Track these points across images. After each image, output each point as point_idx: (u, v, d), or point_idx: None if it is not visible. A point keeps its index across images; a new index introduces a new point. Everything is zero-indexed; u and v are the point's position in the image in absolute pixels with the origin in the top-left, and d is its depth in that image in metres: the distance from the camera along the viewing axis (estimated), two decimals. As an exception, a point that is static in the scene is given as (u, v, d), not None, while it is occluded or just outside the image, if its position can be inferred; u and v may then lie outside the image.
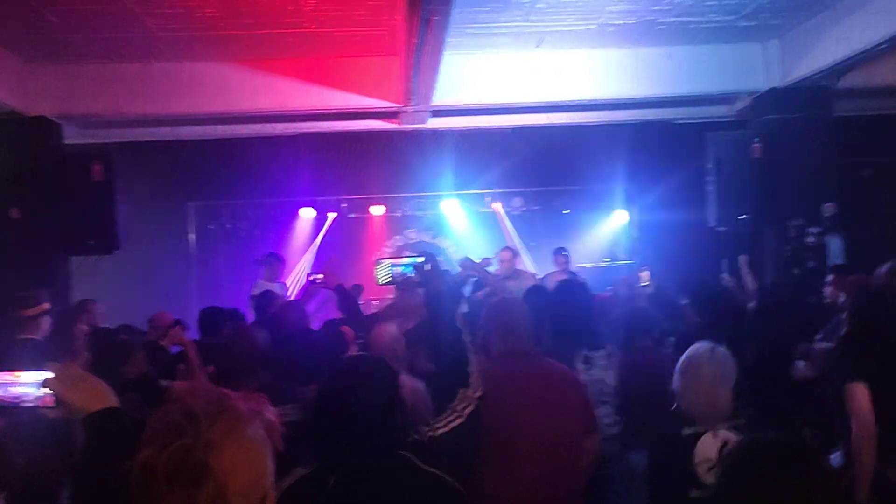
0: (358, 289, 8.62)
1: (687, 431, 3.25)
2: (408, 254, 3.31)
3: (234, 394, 1.58)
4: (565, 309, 4.84)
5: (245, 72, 7.94)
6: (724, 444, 3.11)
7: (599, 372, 4.62)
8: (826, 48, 7.48)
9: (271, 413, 1.61)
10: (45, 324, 5.74)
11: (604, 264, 11.56)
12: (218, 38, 7.24)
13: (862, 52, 7.08)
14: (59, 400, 2.02)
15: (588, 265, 11.25)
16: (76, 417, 2.01)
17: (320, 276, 7.26)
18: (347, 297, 6.54)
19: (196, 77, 7.89)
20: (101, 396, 2.03)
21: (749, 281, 7.08)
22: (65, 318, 6.60)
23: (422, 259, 3.03)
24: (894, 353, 4.04)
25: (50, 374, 2.03)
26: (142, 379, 4.88)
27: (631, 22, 7.38)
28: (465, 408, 2.62)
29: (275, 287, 9.37)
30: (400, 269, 3.13)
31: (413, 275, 3.04)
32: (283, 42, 7.48)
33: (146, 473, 1.46)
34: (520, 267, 9.22)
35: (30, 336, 5.56)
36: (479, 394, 2.69)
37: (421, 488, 2.30)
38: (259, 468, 1.54)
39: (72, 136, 8.33)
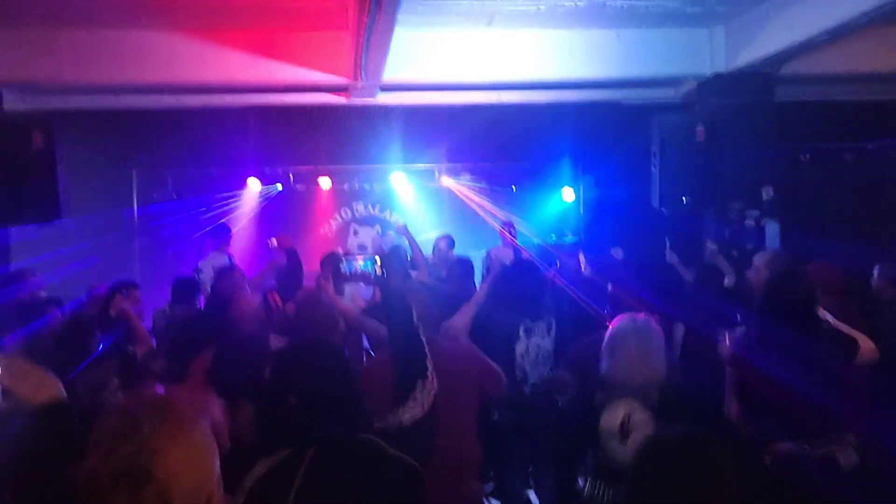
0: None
1: (598, 396, 3.45)
2: (364, 251, 3.42)
3: (180, 393, 1.63)
4: (515, 284, 5.55)
5: (192, 42, 7.82)
6: (628, 416, 3.31)
7: (538, 339, 5.46)
8: (769, 36, 7.65)
9: (218, 409, 1.66)
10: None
11: (550, 241, 11.70)
12: (165, 6, 7.13)
13: (803, 42, 7.26)
14: (5, 391, 2.04)
15: (535, 241, 11.37)
16: (22, 409, 2.03)
17: (274, 239, 7.30)
18: (294, 261, 6.65)
19: (142, 46, 7.76)
20: (48, 388, 2.06)
21: (724, 266, 7.18)
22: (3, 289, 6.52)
23: (379, 260, 3.11)
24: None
25: (-3, 366, 2.05)
26: (113, 347, 4.91)
27: (581, 4, 7.46)
28: (423, 400, 2.73)
29: (223, 258, 9.37)
30: (359, 267, 3.20)
31: (371, 272, 3.12)
32: (232, 13, 7.40)
33: (91, 480, 1.50)
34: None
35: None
36: (435, 389, 2.79)
37: (391, 472, 2.39)
38: (204, 470, 1.59)
39: (11, 103, 8.16)
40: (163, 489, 1.50)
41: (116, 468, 1.49)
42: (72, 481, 1.53)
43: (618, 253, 8.54)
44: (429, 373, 2.82)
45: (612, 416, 3.39)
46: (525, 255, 9.08)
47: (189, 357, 5.03)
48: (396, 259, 5.94)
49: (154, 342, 6.15)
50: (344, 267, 3.07)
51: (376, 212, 12.46)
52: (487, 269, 8.68)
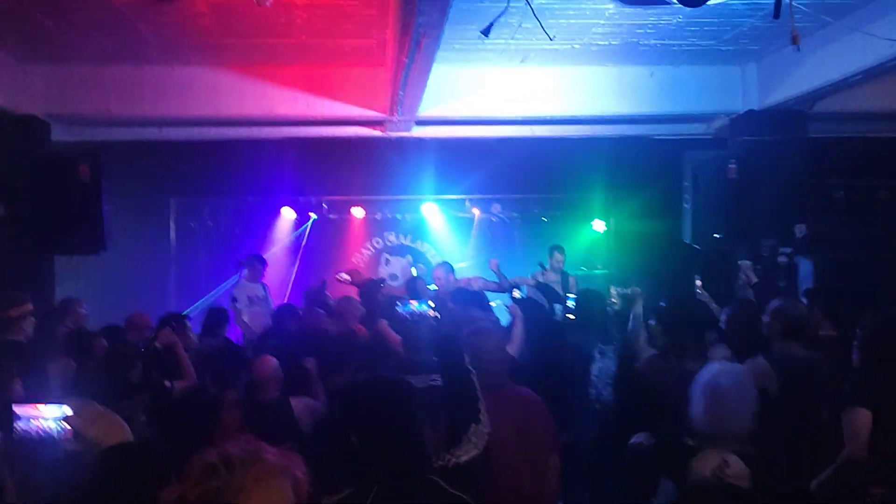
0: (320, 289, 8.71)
1: (690, 442, 3.32)
2: (395, 280, 3.51)
3: (271, 448, 1.74)
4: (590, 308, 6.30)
5: (234, 77, 8.03)
6: (722, 466, 3.10)
7: (609, 361, 6.00)
8: (802, 75, 7.69)
9: (301, 471, 1.77)
10: (28, 325, 5.71)
11: (581, 272, 11.74)
12: (209, 44, 7.34)
13: (836, 82, 7.31)
14: (77, 434, 2.15)
15: (566, 271, 11.42)
16: (93, 450, 2.14)
17: (344, 274, 7.43)
18: (371, 295, 6.80)
19: (186, 81, 7.98)
20: (116, 431, 2.17)
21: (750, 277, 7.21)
22: (48, 318, 6.64)
23: (432, 304, 3.19)
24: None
25: (69, 410, 2.16)
26: (146, 381, 5.00)
27: (615, 43, 7.56)
28: (479, 441, 2.79)
29: (256, 288, 9.51)
30: (415, 309, 3.28)
31: (427, 313, 3.19)
32: (273, 50, 7.59)
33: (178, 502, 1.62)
34: (459, 279, 9.19)
35: (13, 338, 5.52)
36: (489, 430, 2.85)
37: None
38: None
39: (59, 135, 8.38)
40: None
41: (203, 498, 1.60)
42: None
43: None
44: (481, 415, 2.87)
45: (703, 465, 3.23)
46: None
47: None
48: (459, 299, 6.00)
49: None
50: (400, 308, 3.13)
51: (408, 241, 12.59)
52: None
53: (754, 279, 7.75)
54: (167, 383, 5.23)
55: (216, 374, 5.54)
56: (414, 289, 8.15)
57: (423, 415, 2.62)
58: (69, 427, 2.15)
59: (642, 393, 4.97)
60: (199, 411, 5.02)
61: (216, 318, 7.24)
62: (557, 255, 9.63)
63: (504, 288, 8.95)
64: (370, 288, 8.14)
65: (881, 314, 5.13)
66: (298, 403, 4.79)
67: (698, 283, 7.65)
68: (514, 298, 8.63)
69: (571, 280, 9.39)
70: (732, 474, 3.06)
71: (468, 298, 7.17)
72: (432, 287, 8.66)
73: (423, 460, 2.54)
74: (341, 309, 6.83)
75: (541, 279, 9.24)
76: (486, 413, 2.92)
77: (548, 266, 9.54)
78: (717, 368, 3.50)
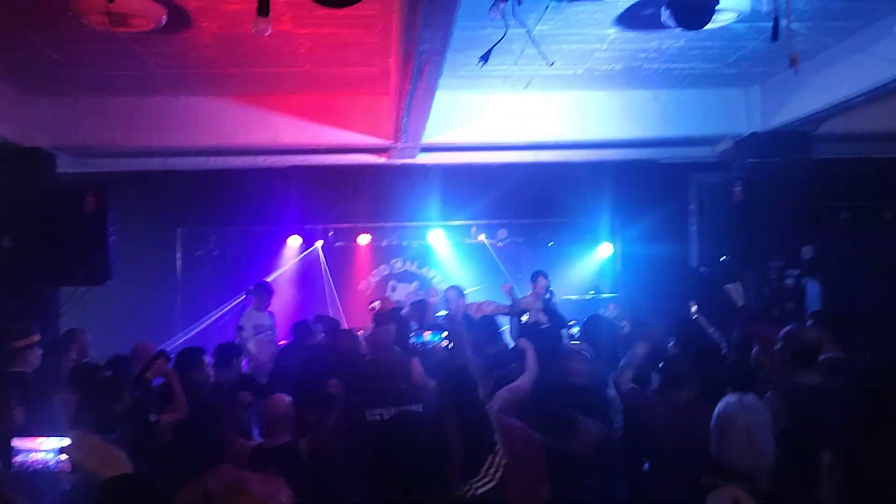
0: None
1: (705, 480, 3.28)
2: (432, 326, 3.49)
3: (253, 477, 1.71)
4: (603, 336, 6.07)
5: (239, 107, 8.08)
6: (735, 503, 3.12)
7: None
8: (806, 97, 7.70)
9: (286, 496, 1.74)
10: (35, 356, 5.72)
11: (588, 297, 11.70)
12: (214, 75, 7.39)
13: (840, 103, 7.31)
14: (75, 466, 2.14)
15: (572, 297, 11.39)
16: (91, 482, 2.12)
17: (377, 303, 7.44)
18: (403, 325, 6.78)
19: (191, 111, 8.04)
20: (115, 464, 2.15)
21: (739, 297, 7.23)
22: (54, 349, 6.63)
23: (445, 334, 3.18)
24: None
25: (68, 442, 2.15)
26: (130, 413, 4.95)
27: (617, 68, 7.58)
28: (496, 472, 2.78)
29: (262, 316, 9.49)
30: (429, 337, 3.25)
31: (441, 344, 3.18)
32: (277, 79, 7.64)
33: None
34: (471, 304, 9.21)
35: (18, 369, 5.53)
36: (505, 461, 2.84)
37: None
38: None
39: (65, 166, 8.43)
40: None
41: None
42: None
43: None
44: (497, 447, 2.86)
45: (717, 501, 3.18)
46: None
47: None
48: (476, 330, 5.99)
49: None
50: (413, 339, 3.10)
51: (414, 268, 12.57)
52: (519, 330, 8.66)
53: (740, 302, 7.74)
54: (152, 417, 5.17)
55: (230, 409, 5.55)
56: (420, 313, 8.13)
57: (442, 447, 2.67)
58: (67, 459, 2.14)
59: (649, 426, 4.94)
60: (185, 447, 4.99)
61: (228, 351, 7.22)
62: (542, 281, 9.50)
63: (515, 312, 8.93)
64: (396, 317, 8.11)
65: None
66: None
67: (693, 308, 7.61)
68: (521, 324, 8.61)
69: (554, 304, 9.27)
70: None
71: (480, 327, 7.20)
72: (441, 312, 8.66)
73: (443, 492, 2.60)
74: (377, 338, 6.79)
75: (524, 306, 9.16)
76: (501, 444, 2.91)
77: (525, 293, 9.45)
78: (733, 401, 3.45)
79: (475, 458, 2.81)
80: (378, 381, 4.10)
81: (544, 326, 8.16)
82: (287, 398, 4.89)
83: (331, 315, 8.76)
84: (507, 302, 9.06)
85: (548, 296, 8.97)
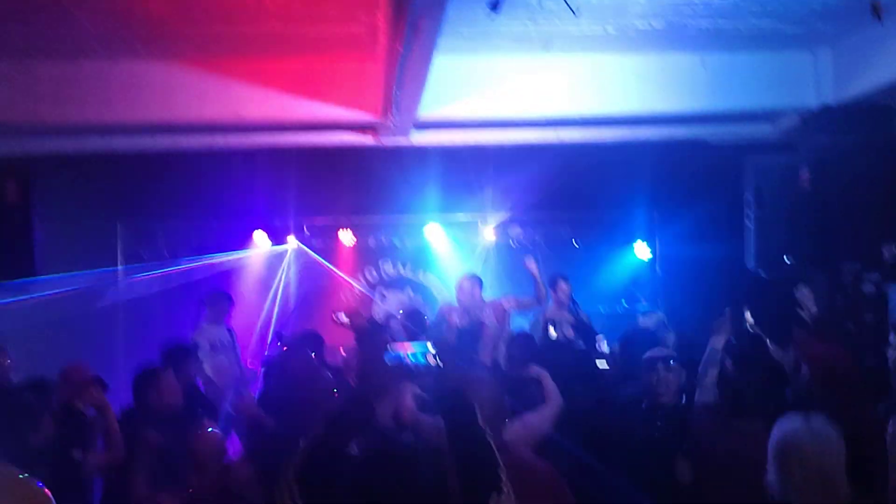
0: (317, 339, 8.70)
1: None
2: (413, 342, 3.40)
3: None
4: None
5: (192, 74, 8.01)
6: None
7: None
8: (888, 62, 7.65)
9: None
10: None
11: (620, 309, 11.69)
12: (162, 35, 7.34)
13: (933, 69, 7.28)
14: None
15: (600, 309, 11.37)
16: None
17: (343, 314, 7.47)
18: (373, 342, 6.76)
19: (134, 79, 7.97)
20: (37, 501, 2.13)
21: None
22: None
23: (432, 349, 3.13)
24: None
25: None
26: (50, 449, 4.95)
27: (657, 25, 7.54)
28: None
29: (220, 332, 9.49)
30: (409, 355, 3.18)
31: (428, 364, 3.13)
32: (240, 41, 7.58)
33: None
34: (489, 301, 9.42)
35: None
36: (513, 500, 2.82)
37: None
38: None
39: (-20, 147, 8.41)
40: None
41: None
42: None
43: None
44: (503, 484, 2.83)
45: None
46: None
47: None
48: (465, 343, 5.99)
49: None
50: (389, 360, 3.01)
51: (407, 272, 12.57)
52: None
53: (813, 309, 7.72)
54: (77, 453, 5.17)
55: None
56: (414, 325, 8.12)
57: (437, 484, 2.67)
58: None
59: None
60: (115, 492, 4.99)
61: (178, 354, 7.19)
62: (562, 285, 9.58)
63: (541, 298, 8.96)
64: (370, 334, 8.12)
65: None
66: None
67: (749, 318, 7.62)
68: (547, 340, 8.57)
69: (583, 315, 9.32)
70: None
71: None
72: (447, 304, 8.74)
73: None
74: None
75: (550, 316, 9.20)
76: (508, 482, 2.87)
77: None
78: (799, 427, 3.41)
79: (476, 498, 2.78)
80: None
81: (576, 346, 8.16)
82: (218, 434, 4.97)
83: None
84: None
85: (573, 305, 9.04)
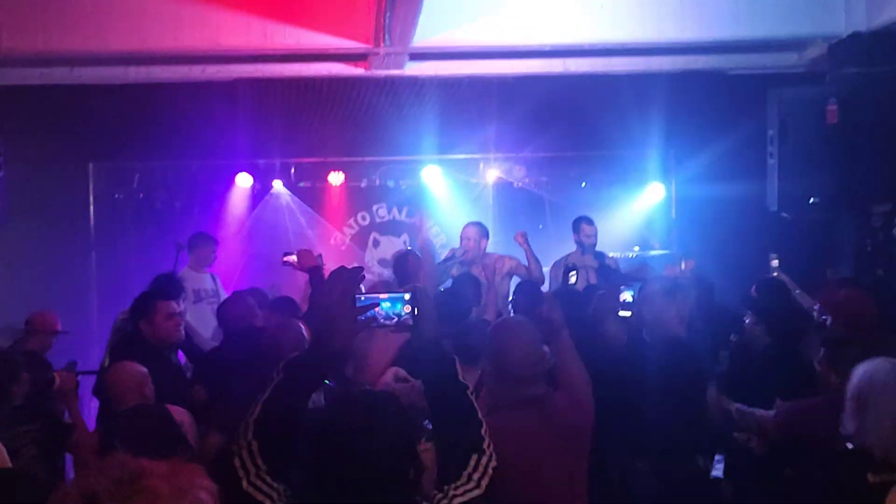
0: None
1: (873, 478, 3.26)
2: (387, 266, 3.27)
3: (157, 467, 1.62)
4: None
5: (167, -1, 7.94)
6: None
7: None
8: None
9: (205, 489, 1.66)
10: None
11: (633, 254, 11.67)
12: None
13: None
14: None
15: (614, 254, 11.35)
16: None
17: (293, 256, 7.41)
18: (320, 283, 6.66)
19: (103, 5, 7.88)
20: None
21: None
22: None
23: (408, 296, 3.06)
24: None
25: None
26: (38, 409, 4.98)
27: (674, -56, 7.46)
28: (481, 477, 2.75)
29: (203, 279, 9.46)
30: (382, 310, 3.09)
31: (402, 317, 3.06)
32: (217, -40, 7.50)
33: None
34: (489, 251, 9.39)
35: None
36: (494, 464, 2.81)
37: None
38: None
39: (-64, 79, 8.33)
40: None
41: None
42: None
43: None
44: (485, 445, 2.82)
45: None
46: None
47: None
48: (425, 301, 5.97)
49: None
50: (358, 310, 2.90)
51: (403, 216, 12.52)
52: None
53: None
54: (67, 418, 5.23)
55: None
56: (404, 272, 8.08)
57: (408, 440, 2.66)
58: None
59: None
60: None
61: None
62: (586, 228, 9.54)
63: (533, 274, 8.91)
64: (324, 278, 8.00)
65: None
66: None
67: (775, 262, 7.63)
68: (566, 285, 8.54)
69: (610, 259, 9.29)
70: None
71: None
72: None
73: (399, 499, 2.57)
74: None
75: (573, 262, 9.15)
76: (490, 441, 2.86)
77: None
78: (880, 364, 3.54)
79: (456, 457, 2.77)
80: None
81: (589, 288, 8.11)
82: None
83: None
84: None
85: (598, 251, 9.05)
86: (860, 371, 3.50)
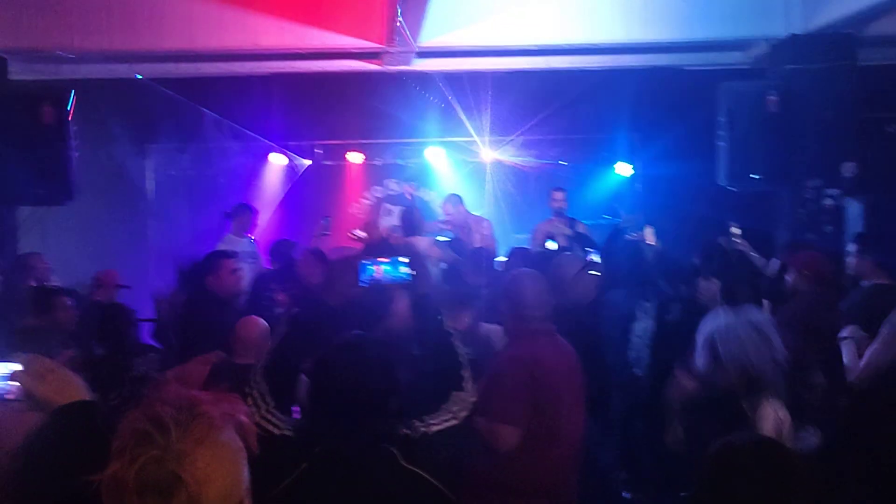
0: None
1: (745, 405, 3.32)
2: (387, 254, 3.29)
3: (205, 396, 1.64)
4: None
5: (212, 5, 7.88)
6: (780, 421, 3.21)
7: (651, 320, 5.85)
8: (853, -7, 7.51)
9: (244, 413, 1.68)
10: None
11: (603, 221, 11.62)
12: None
13: (892, 0, 7.11)
14: (26, 393, 2.09)
15: (585, 222, 11.31)
16: (45, 411, 2.08)
17: (362, 232, 7.38)
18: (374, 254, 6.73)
19: (157, 9, 7.85)
20: (71, 389, 2.10)
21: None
22: (10, 274, 6.66)
23: (405, 259, 3.05)
24: None
25: (17, 366, 2.10)
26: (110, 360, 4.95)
27: (640, -41, 7.38)
28: (459, 410, 2.73)
29: (243, 243, 9.44)
30: (383, 270, 3.08)
31: (397, 277, 3.06)
32: (255, -27, 7.44)
33: (117, 486, 1.53)
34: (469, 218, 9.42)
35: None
36: (474, 398, 2.79)
37: (401, 488, 2.44)
38: (234, 476, 1.63)
39: (18, 73, 8.27)
40: (193, 496, 1.54)
41: (142, 474, 1.52)
42: (94, 489, 1.55)
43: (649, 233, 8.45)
44: (465, 383, 2.82)
45: (765, 425, 3.24)
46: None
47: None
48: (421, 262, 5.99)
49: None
50: (364, 271, 2.85)
51: (411, 189, 12.47)
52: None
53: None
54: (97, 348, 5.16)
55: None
56: (410, 224, 8.08)
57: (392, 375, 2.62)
58: (18, 385, 2.09)
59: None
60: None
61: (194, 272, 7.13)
62: (556, 195, 9.36)
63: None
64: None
65: None
66: None
67: (736, 230, 7.61)
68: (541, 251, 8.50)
69: (581, 226, 9.21)
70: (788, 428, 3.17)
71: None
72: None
73: (382, 427, 2.52)
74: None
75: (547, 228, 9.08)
76: (471, 381, 2.86)
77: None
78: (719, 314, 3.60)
79: (436, 395, 2.76)
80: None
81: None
82: (263, 322, 4.87)
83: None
84: None
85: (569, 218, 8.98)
86: (711, 316, 3.56)
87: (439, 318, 2.96)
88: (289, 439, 2.57)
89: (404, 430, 2.57)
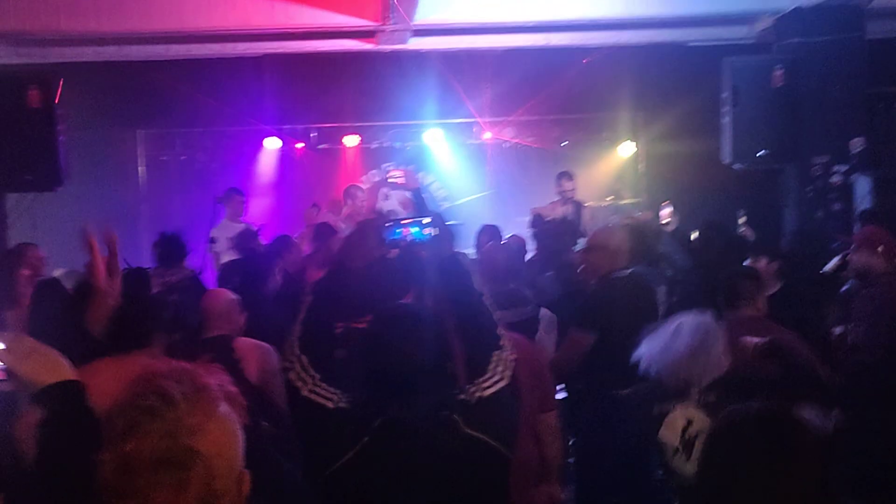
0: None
1: (656, 410, 3.45)
2: (410, 214, 3.27)
3: (200, 368, 1.65)
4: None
5: (201, -16, 7.88)
6: (688, 423, 3.31)
7: None
8: (859, -36, 7.49)
9: (232, 386, 1.70)
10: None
11: (607, 203, 11.62)
12: (170, -55, 7.18)
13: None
14: (9, 373, 2.09)
15: (590, 204, 11.31)
16: (29, 391, 2.08)
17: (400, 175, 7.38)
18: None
19: (146, -10, 7.83)
20: (55, 369, 2.10)
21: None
22: (2, 263, 6.65)
23: (428, 220, 3.05)
24: None
25: (0, 345, 2.10)
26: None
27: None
28: (504, 370, 2.74)
29: (237, 227, 9.44)
30: (408, 231, 3.08)
31: (423, 238, 3.06)
32: (244, -50, 7.42)
33: (127, 464, 1.54)
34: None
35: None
36: (514, 356, 2.80)
37: (466, 455, 2.48)
38: (237, 448, 1.66)
39: (3, 56, 8.26)
40: (207, 469, 1.55)
41: (157, 449, 1.53)
42: (96, 470, 1.56)
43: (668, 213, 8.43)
44: (503, 341, 2.81)
45: (672, 428, 3.38)
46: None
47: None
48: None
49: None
50: (389, 234, 2.86)
51: (409, 172, 12.46)
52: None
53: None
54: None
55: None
56: (420, 203, 8.08)
57: (442, 343, 2.66)
58: (1, 365, 2.10)
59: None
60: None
61: (171, 247, 7.13)
62: (565, 183, 9.39)
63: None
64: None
65: None
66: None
67: (742, 219, 7.63)
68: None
69: (587, 211, 9.23)
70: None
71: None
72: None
73: (441, 394, 2.56)
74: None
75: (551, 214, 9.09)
76: (507, 338, 2.85)
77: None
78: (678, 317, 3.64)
79: (479, 356, 2.76)
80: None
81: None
82: (230, 294, 4.87)
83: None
84: None
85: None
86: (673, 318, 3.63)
87: (469, 278, 2.94)
88: (346, 412, 2.58)
89: (461, 396, 2.60)
